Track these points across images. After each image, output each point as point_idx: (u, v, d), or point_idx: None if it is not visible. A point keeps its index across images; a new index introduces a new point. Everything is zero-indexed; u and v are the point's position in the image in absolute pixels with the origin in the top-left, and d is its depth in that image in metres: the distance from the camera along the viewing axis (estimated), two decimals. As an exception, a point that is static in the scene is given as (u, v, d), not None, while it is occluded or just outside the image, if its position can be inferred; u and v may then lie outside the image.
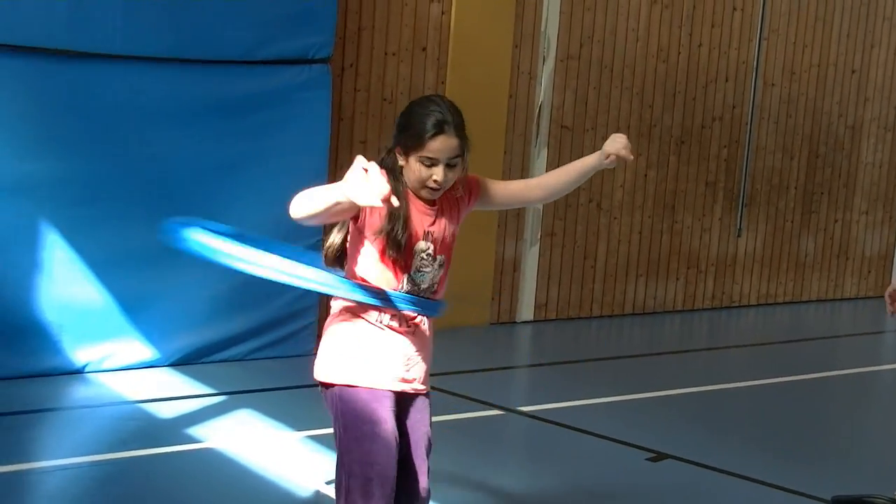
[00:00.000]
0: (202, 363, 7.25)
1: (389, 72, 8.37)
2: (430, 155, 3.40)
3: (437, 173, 3.41)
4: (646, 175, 10.10)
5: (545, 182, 3.74)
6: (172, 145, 7.05)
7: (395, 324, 3.51)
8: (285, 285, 3.47)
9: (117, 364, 6.99)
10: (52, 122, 6.67)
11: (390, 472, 3.42)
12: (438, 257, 3.52)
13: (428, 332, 3.59)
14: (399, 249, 3.42)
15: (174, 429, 6.00)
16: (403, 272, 3.48)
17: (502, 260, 9.27)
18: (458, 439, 5.94)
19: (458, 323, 8.60)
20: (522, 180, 3.67)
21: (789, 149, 11.13)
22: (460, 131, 3.43)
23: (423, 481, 3.57)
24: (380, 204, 3.11)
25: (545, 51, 9.26)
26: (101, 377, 6.86)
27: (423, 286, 3.51)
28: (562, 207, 9.55)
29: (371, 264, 3.47)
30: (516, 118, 9.13)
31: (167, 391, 6.70)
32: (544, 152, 9.28)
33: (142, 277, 6.98)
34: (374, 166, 3.13)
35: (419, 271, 3.50)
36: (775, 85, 10.90)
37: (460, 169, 3.46)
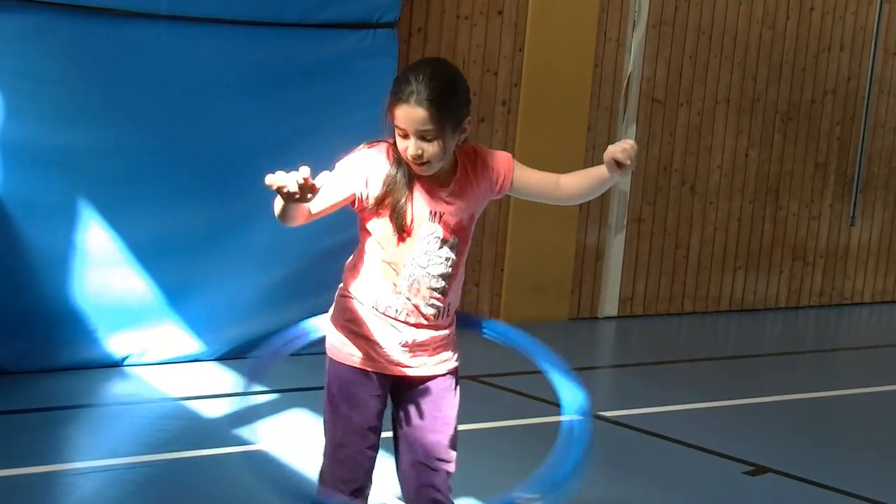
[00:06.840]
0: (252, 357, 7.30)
1: (461, 37, 8.37)
2: (398, 124, 3.46)
3: (410, 146, 3.45)
4: (747, 155, 10.02)
5: (565, 183, 3.63)
6: (220, 117, 7.10)
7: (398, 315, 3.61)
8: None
9: (159, 357, 7.08)
10: (91, 89, 6.74)
11: (358, 457, 3.61)
12: (451, 239, 3.58)
13: (444, 329, 3.65)
14: (402, 224, 3.50)
15: (220, 429, 6.05)
16: (407, 254, 3.54)
17: (584, 248, 9.24)
18: (530, 446, 5.93)
19: (534, 317, 8.59)
20: (548, 174, 3.63)
21: (911, 127, 10.99)
22: (436, 104, 3.40)
23: (431, 479, 3.66)
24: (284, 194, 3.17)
25: (635, 15, 9.21)
26: (142, 371, 6.95)
27: (435, 272, 3.56)
28: (651, 191, 9.51)
29: (375, 252, 3.58)
30: (602, 90, 9.09)
31: (213, 388, 6.77)
32: (633, 128, 9.24)
33: (188, 262, 7.04)
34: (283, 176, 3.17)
35: (426, 254, 3.55)
36: (896, 55, 10.76)
37: (440, 145, 3.44)
